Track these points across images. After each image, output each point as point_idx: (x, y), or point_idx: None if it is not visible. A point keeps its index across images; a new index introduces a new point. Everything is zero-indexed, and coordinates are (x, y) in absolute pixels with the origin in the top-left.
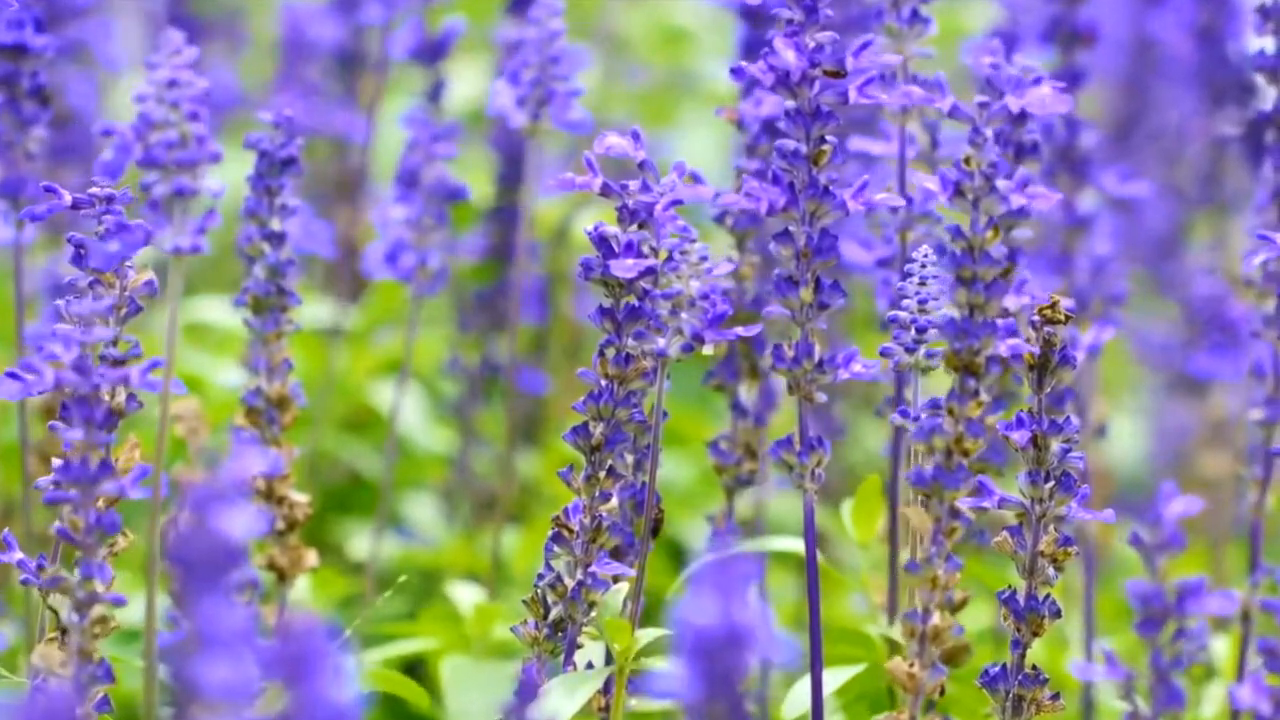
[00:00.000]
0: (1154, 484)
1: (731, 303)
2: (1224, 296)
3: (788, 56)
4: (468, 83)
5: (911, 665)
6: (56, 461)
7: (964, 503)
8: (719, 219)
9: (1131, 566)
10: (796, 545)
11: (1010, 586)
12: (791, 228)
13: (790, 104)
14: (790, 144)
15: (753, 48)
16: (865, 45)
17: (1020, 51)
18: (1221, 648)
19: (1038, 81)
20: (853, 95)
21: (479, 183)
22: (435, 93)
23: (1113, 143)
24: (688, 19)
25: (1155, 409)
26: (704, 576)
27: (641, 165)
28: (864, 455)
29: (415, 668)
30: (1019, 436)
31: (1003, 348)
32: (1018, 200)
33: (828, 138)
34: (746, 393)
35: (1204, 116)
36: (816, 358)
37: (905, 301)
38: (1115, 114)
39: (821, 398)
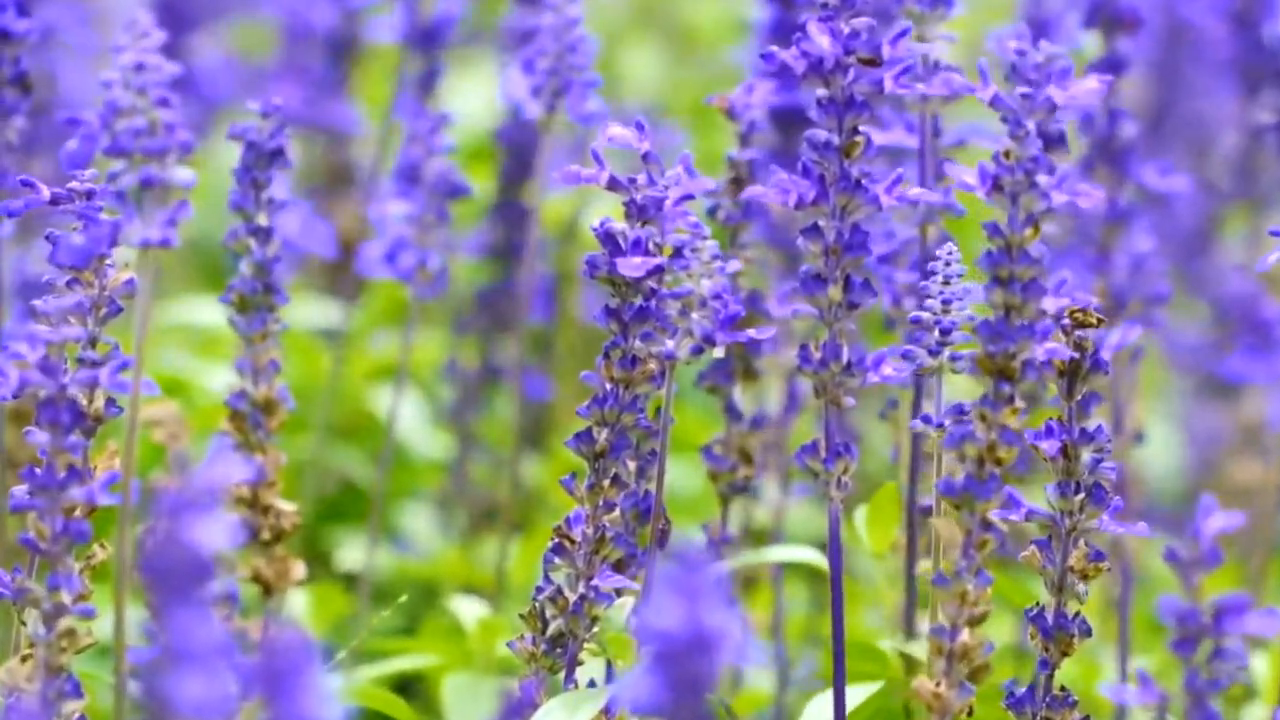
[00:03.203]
0: (1185, 492)
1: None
2: (1258, 296)
3: (822, 42)
4: (472, 74)
5: (938, 684)
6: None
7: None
8: (711, 212)
9: (1163, 581)
10: (804, 555)
11: (1037, 603)
12: (820, 222)
13: (822, 92)
14: (821, 134)
15: (781, 32)
16: (903, 33)
17: (1058, 39)
18: (1261, 666)
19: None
20: (889, 84)
21: (482, 176)
22: (428, 81)
23: (1142, 133)
24: (752, 10)
25: (1185, 414)
26: (670, 578)
27: (645, 158)
28: (881, 462)
29: (410, 685)
30: (1048, 446)
31: (1040, 351)
32: (1059, 197)
33: (860, 128)
34: (741, 395)
35: (1239, 105)
36: (844, 360)
37: (928, 301)
38: (1145, 103)
39: (850, 402)
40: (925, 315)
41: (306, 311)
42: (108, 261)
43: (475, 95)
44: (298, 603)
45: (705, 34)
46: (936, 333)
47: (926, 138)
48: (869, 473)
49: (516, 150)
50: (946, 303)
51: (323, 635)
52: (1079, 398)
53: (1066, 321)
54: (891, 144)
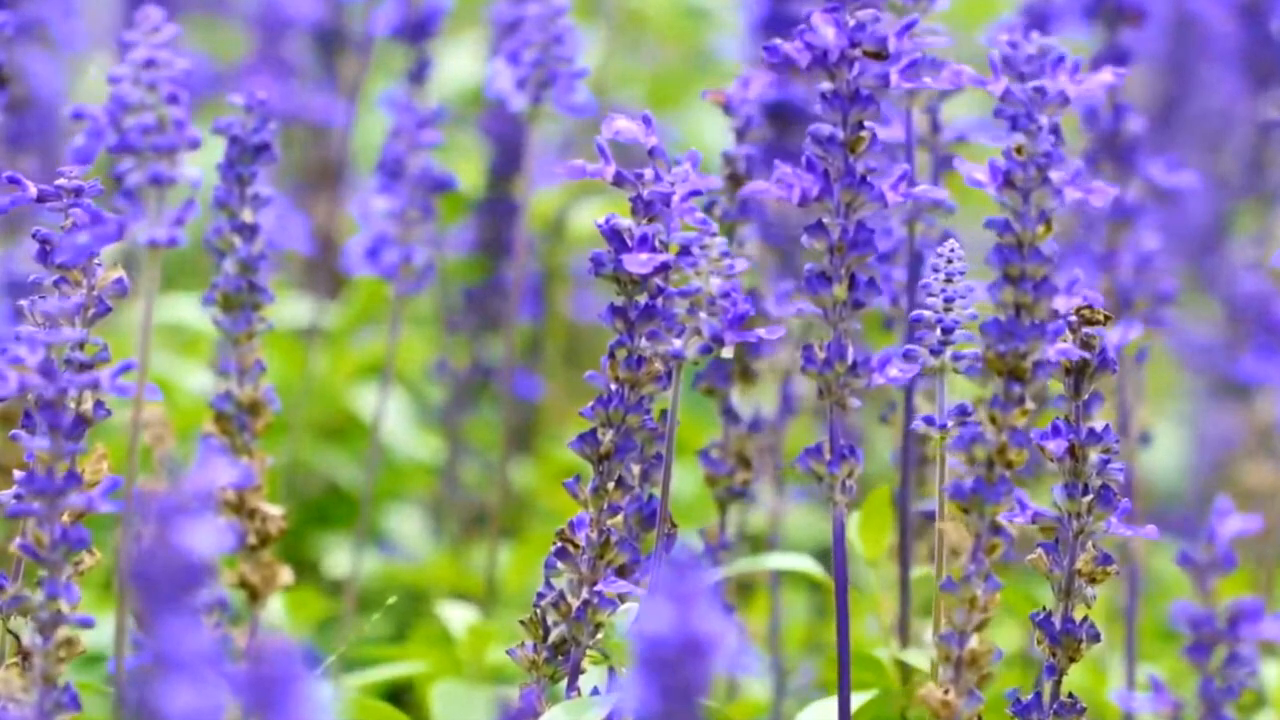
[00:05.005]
0: (1194, 496)
1: None
2: (1271, 295)
3: (826, 34)
4: (458, 63)
5: (946, 692)
6: (19, 473)
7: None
8: (707, 209)
9: (1171, 585)
10: (800, 564)
11: (1044, 608)
12: (825, 219)
13: (827, 86)
14: (826, 129)
15: (772, 25)
16: (909, 25)
17: (1057, 30)
18: (1272, 673)
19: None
20: (895, 78)
21: (469, 172)
22: (419, 74)
23: (1150, 128)
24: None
25: (1195, 415)
26: (661, 584)
27: (652, 152)
28: (880, 466)
29: (401, 694)
30: (1055, 446)
31: (1052, 352)
32: (1072, 194)
33: (866, 123)
34: (739, 397)
35: (1248, 100)
36: (849, 360)
37: (930, 300)
38: (1152, 98)
39: (855, 403)
40: (927, 314)
41: (285, 309)
42: (96, 261)
43: (457, 84)
44: (274, 607)
45: (653, 22)
46: (938, 332)
47: (914, 133)
48: (867, 476)
49: (503, 142)
50: (949, 301)
51: (302, 640)
52: (1086, 397)
53: (1074, 319)
54: (892, 139)
